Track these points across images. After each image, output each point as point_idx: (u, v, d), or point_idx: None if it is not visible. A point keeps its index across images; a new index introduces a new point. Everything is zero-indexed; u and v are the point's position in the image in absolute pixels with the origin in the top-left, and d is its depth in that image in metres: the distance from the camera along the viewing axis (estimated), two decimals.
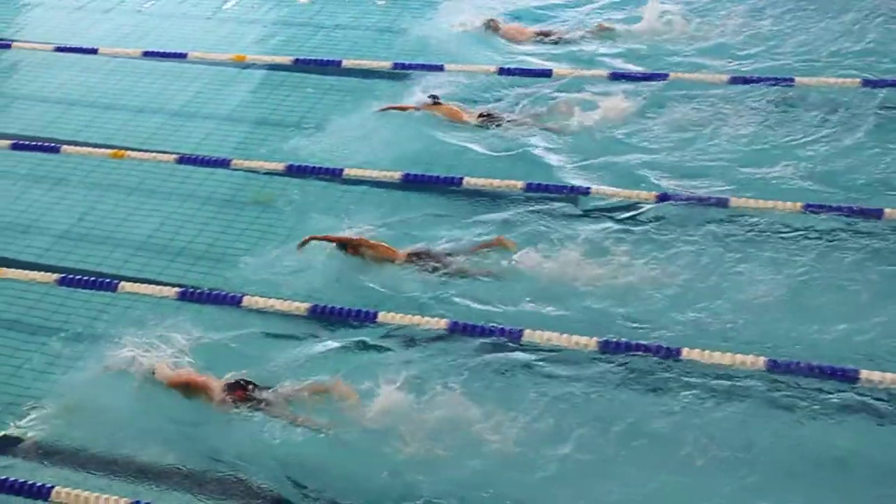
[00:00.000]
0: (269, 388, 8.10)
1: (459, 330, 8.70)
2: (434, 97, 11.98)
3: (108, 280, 9.86)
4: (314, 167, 11.32)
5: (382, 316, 8.94)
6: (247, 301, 9.32)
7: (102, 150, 12.14)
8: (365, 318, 8.98)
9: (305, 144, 11.87)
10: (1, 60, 14.81)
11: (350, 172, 11.09)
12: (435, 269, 9.47)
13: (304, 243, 10.09)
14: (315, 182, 11.18)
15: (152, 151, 12.06)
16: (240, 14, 15.43)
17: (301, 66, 13.53)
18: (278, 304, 9.28)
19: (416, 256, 9.61)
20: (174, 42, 14.62)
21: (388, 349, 8.63)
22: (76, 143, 12.32)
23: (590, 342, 8.44)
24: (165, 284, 9.75)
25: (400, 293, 9.23)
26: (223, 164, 11.72)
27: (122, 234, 10.69)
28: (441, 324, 8.76)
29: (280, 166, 11.42)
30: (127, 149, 12.09)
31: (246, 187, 11.30)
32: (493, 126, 11.54)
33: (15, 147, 12.38)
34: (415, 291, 9.24)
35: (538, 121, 11.48)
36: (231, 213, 10.93)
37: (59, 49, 14.64)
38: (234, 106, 12.78)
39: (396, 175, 10.88)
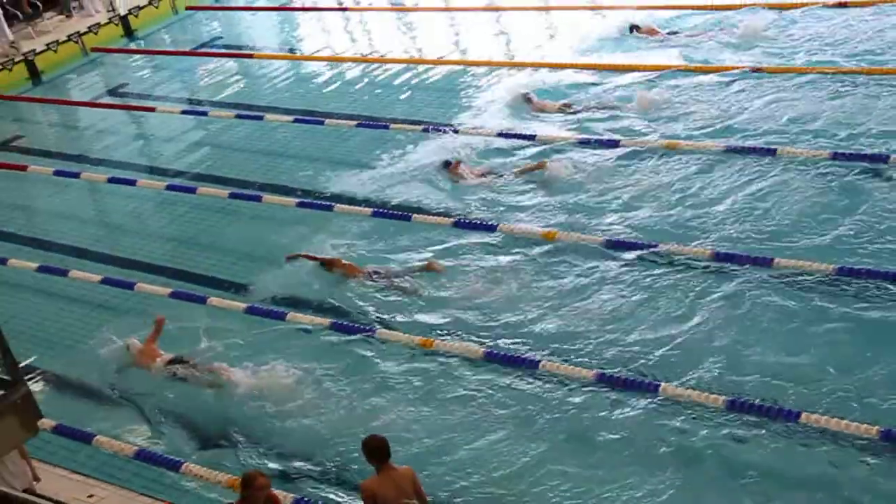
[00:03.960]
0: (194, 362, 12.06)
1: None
2: (448, 161, 15.50)
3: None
4: None
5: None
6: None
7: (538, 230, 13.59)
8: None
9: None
10: None
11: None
12: (384, 285, 12.81)
13: (293, 257, 13.46)
14: None
15: (580, 232, 13.35)
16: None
17: None
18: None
19: (374, 274, 12.89)
20: None
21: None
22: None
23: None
24: None
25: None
26: (651, 246, 12.56)
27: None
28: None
29: None
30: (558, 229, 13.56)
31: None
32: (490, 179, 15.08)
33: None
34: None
35: (522, 176, 14.95)
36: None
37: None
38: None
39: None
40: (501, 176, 14.98)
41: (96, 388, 12.35)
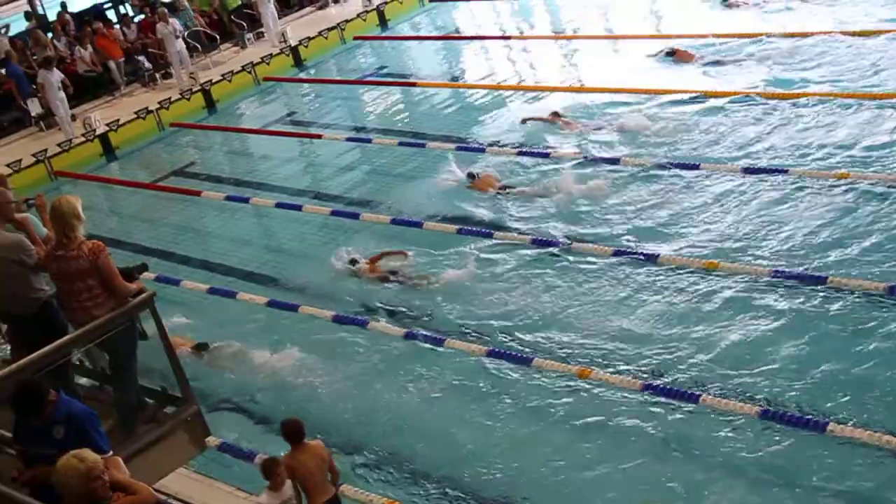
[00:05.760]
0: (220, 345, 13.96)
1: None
2: (471, 175, 17.01)
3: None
4: None
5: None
6: None
7: (698, 262, 13.34)
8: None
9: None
10: None
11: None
12: (394, 281, 14.72)
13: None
14: None
15: (738, 263, 13.13)
16: None
17: None
18: None
19: (391, 273, 14.87)
20: None
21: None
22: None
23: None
24: None
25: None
26: (820, 280, 12.22)
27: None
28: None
29: None
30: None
31: None
32: (509, 194, 16.45)
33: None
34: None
35: (540, 191, 16.23)
36: None
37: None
38: None
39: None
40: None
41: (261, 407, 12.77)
